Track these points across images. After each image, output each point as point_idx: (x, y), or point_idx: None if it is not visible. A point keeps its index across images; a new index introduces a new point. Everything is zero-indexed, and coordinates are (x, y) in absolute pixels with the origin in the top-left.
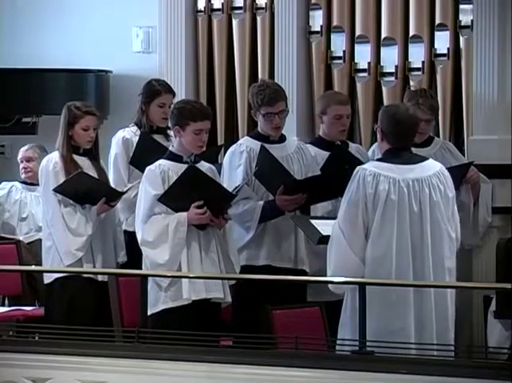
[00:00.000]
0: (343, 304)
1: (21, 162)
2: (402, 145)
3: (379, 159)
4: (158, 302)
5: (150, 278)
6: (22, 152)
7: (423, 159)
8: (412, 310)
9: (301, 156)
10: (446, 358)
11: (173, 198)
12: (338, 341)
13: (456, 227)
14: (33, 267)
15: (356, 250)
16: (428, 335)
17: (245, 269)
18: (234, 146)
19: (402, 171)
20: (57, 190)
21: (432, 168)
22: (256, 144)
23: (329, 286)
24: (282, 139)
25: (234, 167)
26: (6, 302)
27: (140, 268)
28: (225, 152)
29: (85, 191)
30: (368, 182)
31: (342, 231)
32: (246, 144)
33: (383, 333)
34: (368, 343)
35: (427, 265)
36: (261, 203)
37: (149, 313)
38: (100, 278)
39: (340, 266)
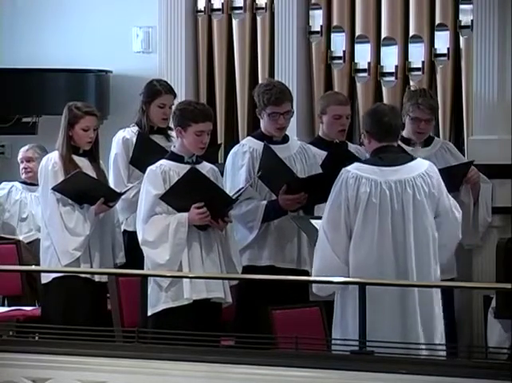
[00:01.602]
0: (334, 306)
1: (22, 162)
2: (389, 140)
3: (363, 161)
4: (158, 302)
5: (150, 278)
6: (22, 153)
7: (410, 159)
8: (397, 311)
9: (304, 157)
10: (446, 358)
11: (174, 197)
12: (334, 341)
13: (441, 225)
14: (32, 267)
15: (339, 253)
16: (414, 336)
17: (247, 269)
18: (237, 146)
19: (385, 173)
20: (55, 189)
21: (418, 169)
22: (259, 145)
23: (313, 288)
24: (285, 139)
25: (237, 168)
26: (6, 302)
27: (140, 268)
28: (225, 151)
29: (84, 190)
30: (350, 184)
31: (325, 234)
32: (248, 145)
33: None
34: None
35: (410, 265)
36: (264, 202)
37: (150, 313)
38: (96, 278)
39: (323, 268)
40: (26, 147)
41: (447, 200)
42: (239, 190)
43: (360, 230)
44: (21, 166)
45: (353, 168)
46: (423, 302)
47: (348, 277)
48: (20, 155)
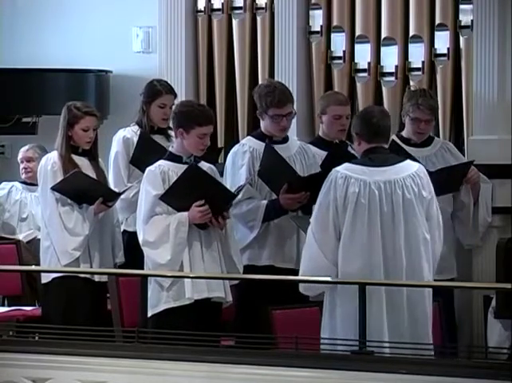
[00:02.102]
0: (323, 306)
1: (22, 162)
2: (378, 141)
3: (353, 161)
4: (160, 302)
5: (151, 279)
6: (23, 153)
7: (400, 160)
8: (384, 310)
9: (304, 157)
10: (446, 358)
11: (175, 196)
12: (330, 342)
13: (431, 229)
14: (32, 267)
15: (327, 253)
16: (402, 335)
17: (247, 269)
18: (237, 146)
19: (374, 173)
20: (54, 188)
21: (408, 170)
22: (259, 144)
23: (300, 288)
24: (285, 139)
25: (237, 168)
26: (6, 302)
27: (140, 268)
28: (224, 151)
29: (82, 190)
30: (338, 185)
31: (314, 234)
32: (248, 144)
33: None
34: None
35: (399, 266)
36: (265, 202)
37: (151, 313)
38: (96, 278)
39: (311, 268)
40: (26, 147)
41: (435, 204)
42: (239, 187)
43: (349, 231)
44: (21, 166)
45: (343, 169)
46: (412, 303)
47: (337, 277)
48: (20, 155)
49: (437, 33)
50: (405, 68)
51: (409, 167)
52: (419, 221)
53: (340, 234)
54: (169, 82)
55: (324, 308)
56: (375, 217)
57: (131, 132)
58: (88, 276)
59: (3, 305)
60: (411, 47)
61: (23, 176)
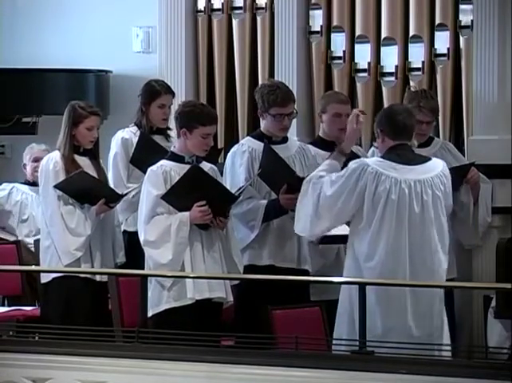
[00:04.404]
0: (339, 297)
1: (36, 161)
2: (402, 140)
3: (382, 157)
4: (161, 302)
5: (152, 278)
6: (38, 152)
7: (426, 159)
8: (409, 309)
9: (303, 157)
10: (446, 358)
11: (176, 196)
12: (336, 340)
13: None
14: (32, 267)
15: (318, 226)
16: (423, 334)
17: (248, 268)
18: (236, 146)
19: (404, 171)
20: (58, 186)
21: (435, 169)
22: (258, 145)
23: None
24: (284, 139)
25: (236, 167)
26: (6, 302)
27: (140, 268)
28: (224, 151)
29: (85, 190)
30: (368, 179)
31: (318, 205)
32: (247, 144)
33: (383, 332)
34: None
35: (429, 265)
36: (265, 202)
37: (152, 313)
38: (98, 278)
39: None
40: (43, 146)
41: (449, 201)
42: (239, 189)
43: (377, 228)
44: (32, 165)
45: (373, 163)
46: (432, 303)
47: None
48: (34, 155)
49: (437, 33)
50: (405, 68)
51: (436, 166)
52: (445, 218)
53: (346, 221)
54: (169, 82)
55: (342, 303)
56: (403, 215)
57: (129, 133)
58: (88, 276)
59: (3, 305)
60: (411, 47)
61: (35, 174)
